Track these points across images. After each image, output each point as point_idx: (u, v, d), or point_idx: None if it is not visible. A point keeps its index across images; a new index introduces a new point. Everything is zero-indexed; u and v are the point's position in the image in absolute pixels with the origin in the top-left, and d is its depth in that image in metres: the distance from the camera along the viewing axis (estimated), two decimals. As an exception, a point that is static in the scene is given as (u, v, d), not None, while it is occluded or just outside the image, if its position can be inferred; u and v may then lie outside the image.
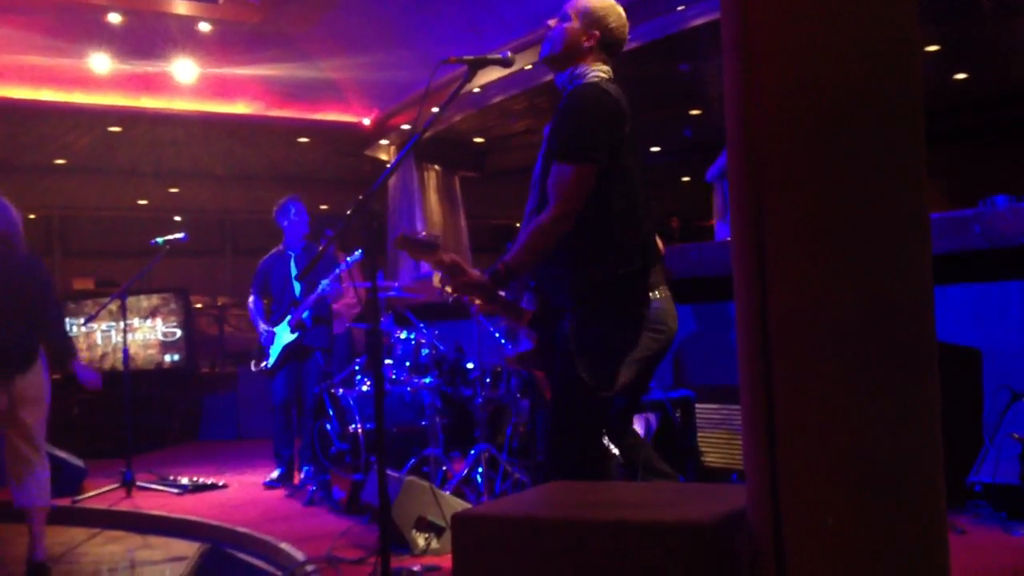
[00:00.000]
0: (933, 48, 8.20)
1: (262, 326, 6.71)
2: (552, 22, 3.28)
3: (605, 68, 3.22)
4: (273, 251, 6.88)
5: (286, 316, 6.55)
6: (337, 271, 6.41)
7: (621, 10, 3.30)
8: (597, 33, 3.21)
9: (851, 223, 1.89)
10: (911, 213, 1.94)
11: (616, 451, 4.32)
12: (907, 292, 1.93)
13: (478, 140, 11.29)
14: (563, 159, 3.04)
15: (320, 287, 6.34)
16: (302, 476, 6.44)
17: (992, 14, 7.32)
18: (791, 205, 1.92)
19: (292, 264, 6.73)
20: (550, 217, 3.02)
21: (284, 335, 6.54)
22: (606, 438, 4.29)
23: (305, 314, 6.46)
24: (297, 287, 6.61)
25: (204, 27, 8.62)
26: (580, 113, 3.08)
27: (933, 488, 1.93)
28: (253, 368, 6.76)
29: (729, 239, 2.06)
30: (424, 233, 3.17)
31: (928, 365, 1.94)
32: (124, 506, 6.13)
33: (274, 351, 6.57)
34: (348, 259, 6.52)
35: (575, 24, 3.22)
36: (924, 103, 1.94)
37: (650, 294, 3.30)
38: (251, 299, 6.90)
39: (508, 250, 3.19)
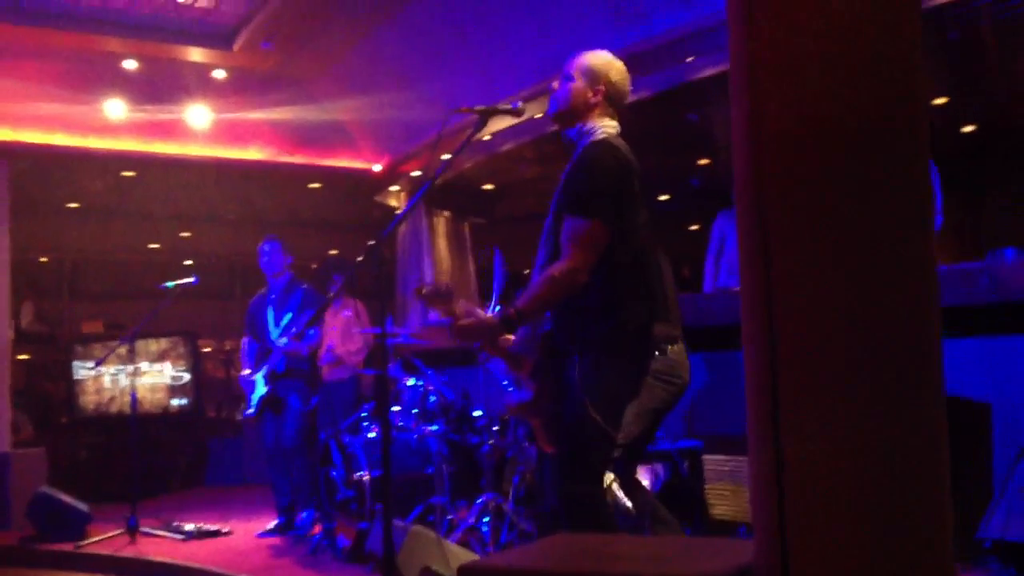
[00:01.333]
0: (941, 100, 8.25)
1: (245, 371, 6.69)
2: (555, 84, 3.37)
3: (613, 123, 3.31)
4: (260, 292, 6.88)
5: (262, 364, 6.55)
6: (310, 334, 6.40)
7: (621, 64, 3.40)
8: (602, 88, 3.30)
9: (859, 262, 1.89)
10: (919, 253, 1.94)
11: (628, 502, 4.31)
12: (915, 334, 1.92)
13: (488, 187, 11.34)
14: (577, 213, 3.10)
15: (280, 343, 6.35)
16: (301, 518, 6.39)
17: (1000, 64, 7.36)
18: (799, 245, 1.92)
19: (269, 307, 6.70)
20: (564, 269, 3.07)
21: (260, 384, 6.53)
22: (619, 488, 4.29)
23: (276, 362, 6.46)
24: (273, 331, 6.58)
25: (219, 74, 8.71)
26: (593, 169, 3.16)
27: (943, 543, 1.91)
28: (239, 417, 6.75)
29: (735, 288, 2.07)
30: (441, 284, 3.23)
31: (937, 413, 1.93)
32: (128, 552, 6.10)
33: (253, 398, 6.56)
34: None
35: (580, 83, 3.31)
36: (932, 152, 1.96)
37: (668, 347, 3.38)
38: (244, 340, 6.90)
39: (517, 297, 3.24)
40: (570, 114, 3.34)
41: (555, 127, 3.47)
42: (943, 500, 1.91)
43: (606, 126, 3.29)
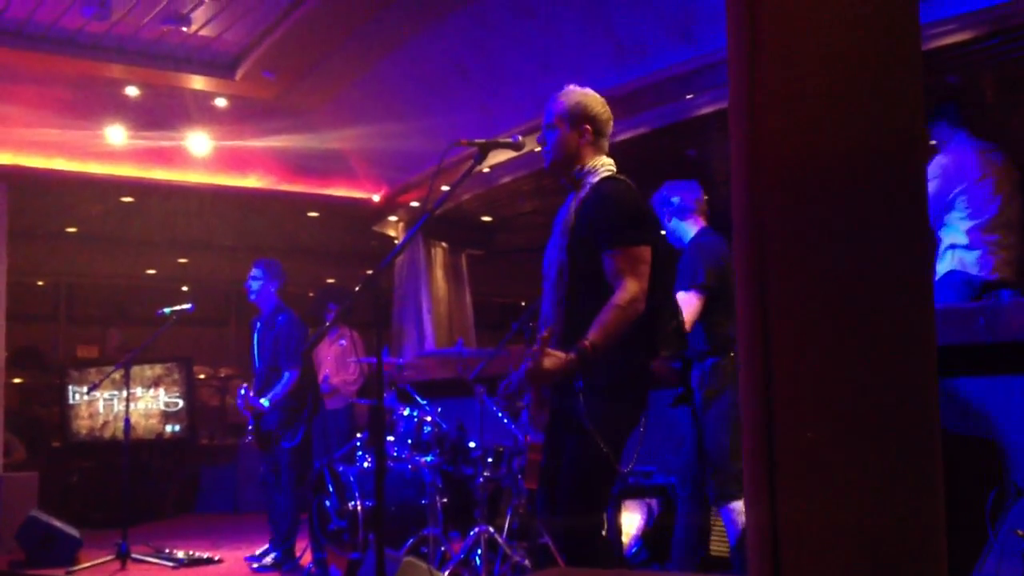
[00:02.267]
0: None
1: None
2: (540, 138, 3.40)
3: (609, 161, 3.35)
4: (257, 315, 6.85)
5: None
6: (285, 376, 6.38)
7: (594, 93, 3.42)
8: (588, 127, 3.32)
9: (855, 302, 1.90)
10: (915, 293, 1.95)
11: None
12: (911, 372, 1.93)
13: (486, 219, 11.37)
14: (618, 244, 3.12)
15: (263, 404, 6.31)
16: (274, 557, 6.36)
17: (996, 103, 7.42)
18: (796, 285, 1.93)
19: (255, 333, 6.69)
20: (627, 298, 3.07)
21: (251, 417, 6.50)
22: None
23: (265, 401, 6.37)
24: (256, 359, 6.57)
25: (220, 102, 8.76)
26: (619, 202, 3.19)
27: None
28: (247, 440, 6.70)
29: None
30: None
31: (932, 450, 1.94)
32: (116, 578, 6.06)
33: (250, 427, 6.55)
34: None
35: (564, 129, 3.33)
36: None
37: None
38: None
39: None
40: (565, 162, 3.36)
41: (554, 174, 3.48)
42: (938, 549, 1.91)
43: (605, 165, 3.33)
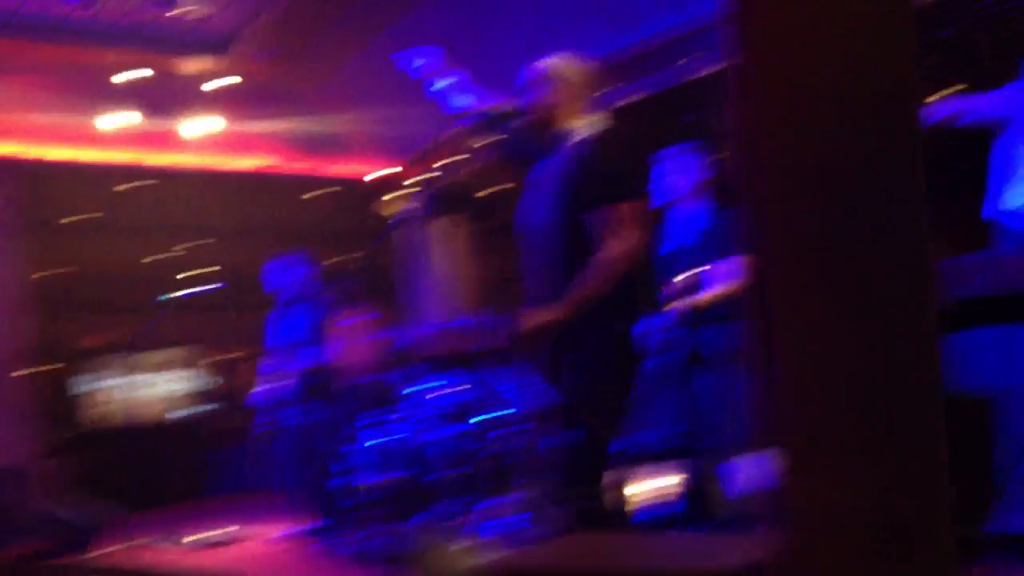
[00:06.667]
0: (934, 99, 8.27)
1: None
2: (515, 103, 3.38)
3: (598, 117, 3.30)
4: None
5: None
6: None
7: (571, 57, 3.45)
8: (564, 84, 3.30)
9: (856, 276, 1.90)
10: (916, 262, 1.95)
11: None
12: (915, 345, 1.93)
13: (485, 193, 11.35)
14: (616, 200, 3.08)
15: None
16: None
17: (992, 66, 7.39)
18: (796, 259, 1.93)
19: (276, 322, 6.74)
20: (625, 248, 3.04)
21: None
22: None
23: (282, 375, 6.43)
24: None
25: (213, 85, 8.71)
26: (614, 156, 3.15)
27: (944, 541, 1.92)
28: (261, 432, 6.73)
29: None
30: None
31: (936, 418, 1.95)
32: (133, 563, 6.09)
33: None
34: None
35: (541, 88, 3.31)
36: (926, 150, 1.97)
37: None
38: None
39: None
40: (545, 120, 3.34)
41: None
42: (944, 502, 1.93)
43: (593, 121, 3.29)
